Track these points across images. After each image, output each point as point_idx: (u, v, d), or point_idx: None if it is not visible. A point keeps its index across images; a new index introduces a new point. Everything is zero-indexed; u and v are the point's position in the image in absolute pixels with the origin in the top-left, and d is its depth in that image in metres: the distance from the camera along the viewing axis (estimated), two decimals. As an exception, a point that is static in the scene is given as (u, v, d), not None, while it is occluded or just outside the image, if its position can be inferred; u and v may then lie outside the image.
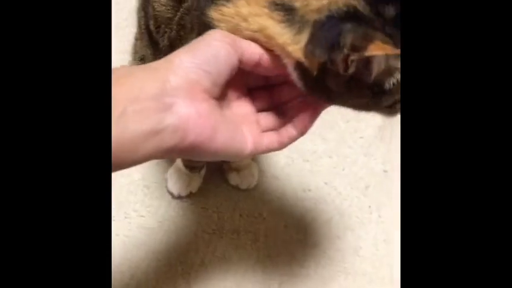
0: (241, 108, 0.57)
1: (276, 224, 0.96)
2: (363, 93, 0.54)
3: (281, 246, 0.94)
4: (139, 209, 0.96)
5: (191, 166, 0.94)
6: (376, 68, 0.51)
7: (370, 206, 1.00)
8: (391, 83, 0.53)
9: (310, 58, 0.52)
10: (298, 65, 0.54)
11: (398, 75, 0.53)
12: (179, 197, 0.96)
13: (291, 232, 0.95)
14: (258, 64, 0.54)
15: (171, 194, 0.96)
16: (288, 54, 0.54)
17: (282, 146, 0.57)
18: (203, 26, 0.58)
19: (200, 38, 0.53)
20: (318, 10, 0.52)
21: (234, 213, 0.96)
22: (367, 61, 0.49)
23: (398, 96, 0.57)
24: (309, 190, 1.01)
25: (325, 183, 1.02)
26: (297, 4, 0.54)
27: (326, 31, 0.51)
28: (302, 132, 0.57)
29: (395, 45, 0.49)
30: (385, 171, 1.04)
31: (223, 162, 1.00)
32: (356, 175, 1.03)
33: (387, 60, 0.50)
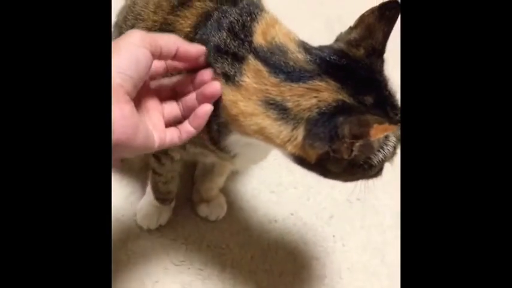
0: (147, 101, 0.63)
1: (243, 255, 0.98)
2: (356, 171, 0.63)
3: (247, 277, 0.96)
4: (108, 242, 0.97)
5: (163, 199, 0.96)
6: (376, 143, 0.60)
7: (334, 236, 1.03)
8: (380, 157, 0.62)
9: (309, 150, 0.60)
10: (295, 155, 0.62)
11: (386, 148, 0.62)
12: (148, 230, 0.98)
13: (257, 263, 0.98)
14: (175, 56, 0.60)
15: (140, 227, 0.98)
16: (285, 150, 0.62)
17: (181, 141, 0.64)
18: None
19: (121, 38, 0.58)
20: (309, 109, 0.60)
21: (202, 245, 0.98)
22: (368, 143, 0.58)
23: (383, 165, 0.66)
24: (275, 221, 1.04)
25: (291, 214, 1.05)
26: (289, 104, 0.60)
27: (321, 126, 0.59)
28: (197, 129, 0.63)
29: (388, 122, 0.57)
30: (348, 201, 1.08)
31: (193, 194, 1.02)
32: (320, 205, 1.07)
33: (397, 133, 0.60)
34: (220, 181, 0.99)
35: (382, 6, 0.63)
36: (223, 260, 0.97)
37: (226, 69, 0.62)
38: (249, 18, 0.65)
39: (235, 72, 0.62)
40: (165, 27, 0.69)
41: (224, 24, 0.64)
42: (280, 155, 1.07)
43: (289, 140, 0.61)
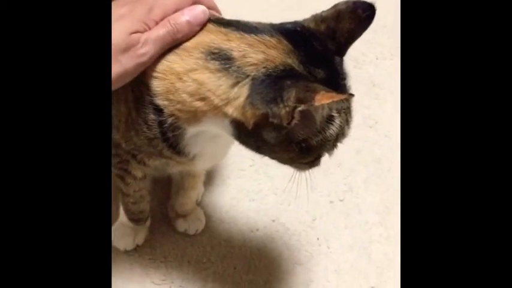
0: None
1: (225, 268, 0.95)
2: (291, 148, 0.60)
3: (231, 289, 0.93)
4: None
5: (136, 219, 0.93)
6: (319, 118, 0.56)
7: (318, 238, 1.00)
8: (319, 139, 0.59)
9: (249, 112, 0.57)
10: (234, 121, 0.59)
11: (328, 131, 0.59)
12: (126, 252, 0.95)
13: (241, 273, 0.95)
14: None
15: (117, 249, 0.95)
16: (226, 114, 0.59)
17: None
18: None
19: None
20: (255, 65, 0.57)
21: (183, 261, 0.95)
22: (310, 112, 0.55)
23: (321, 152, 0.63)
24: (257, 230, 1.01)
25: (273, 221, 1.02)
26: (235, 54, 0.58)
27: (267, 87, 0.56)
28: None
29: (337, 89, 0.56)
30: (330, 202, 1.06)
31: (168, 210, 1.00)
32: (302, 209, 1.04)
33: (329, 109, 0.56)
34: (193, 195, 0.97)
35: (357, 2, 0.62)
36: (205, 274, 0.94)
37: None
38: None
39: None
40: None
41: None
42: (257, 161, 1.05)
43: (229, 99, 0.58)
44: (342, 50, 0.64)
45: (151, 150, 0.67)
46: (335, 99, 0.52)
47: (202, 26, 0.62)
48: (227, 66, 0.58)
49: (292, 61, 0.58)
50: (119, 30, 0.59)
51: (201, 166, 0.80)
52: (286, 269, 0.96)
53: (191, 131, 0.65)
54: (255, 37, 0.59)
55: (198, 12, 0.62)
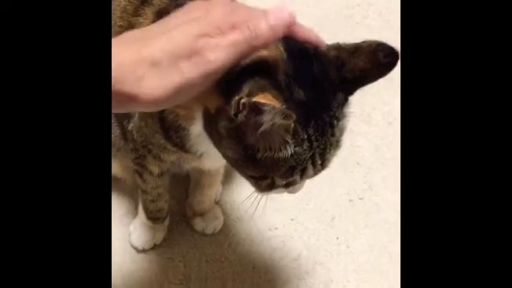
0: None
1: (244, 267, 0.94)
2: (237, 148, 0.57)
3: (250, 289, 0.92)
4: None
5: (155, 218, 0.93)
6: (266, 122, 0.52)
7: (337, 238, 0.99)
8: (264, 155, 0.56)
9: (215, 97, 0.55)
10: (204, 109, 0.58)
11: (278, 153, 0.55)
12: (144, 251, 0.95)
13: (260, 273, 0.94)
14: None
15: (135, 248, 0.95)
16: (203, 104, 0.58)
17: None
18: None
19: None
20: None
21: (201, 260, 0.95)
22: (258, 111, 0.51)
23: (268, 174, 0.59)
24: (276, 228, 1.00)
25: (292, 220, 1.01)
26: None
27: (237, 78, 0.54)
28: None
29: (285, 104, 0.52)
30: (350, 200, 1.04)
31: (186, 208, 0.99)
32: (321, 208, 1.03)
33: (278, 118, 0.51)
34: (210, 193, 0.96)
35: (381, 45, 0.57)
36: (224, 273, 0.93)
37: None
38: None
39: None
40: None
41: None
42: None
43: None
44: (349, 88, 0.58)
45: (161, 142, 0.68)
46: (270, 104, 0.49)
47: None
48: None
49: (278, 68, 0.55)
50: (183, 33, 0.49)
51: (209, 164, 0.79)
52: (306, 268, 0.95)
53: (195, 130, 0.64)
54: None
55: (285, 15, 0.51)
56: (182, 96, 0.50)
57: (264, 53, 0.55)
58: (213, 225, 0.98)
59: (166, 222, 0.96)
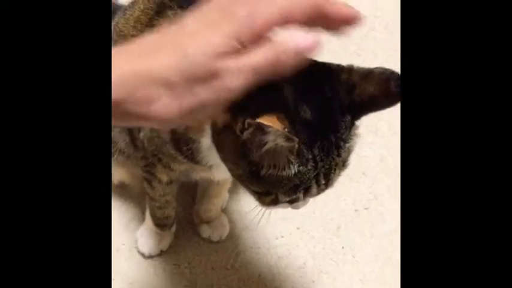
0: None
1: (250, 274, 0.95)
2: (242, 163, 0.57)
3: (256, 297, 0.93)
4: (111, 273, 0.95)
5: (162, 224, 0.93)
6: (270, 142, 0.52)
7: (343, 247, 0.99)
8: (268, 172, 0.56)
9: (223, 114, 0.55)
10: (213, 123, 0.58)
11: (281, 172, 0.55)
12: (150, 257, 0.95)
13: (266, 281, 0.94)
14: None
15: (142, 254, 0.95)
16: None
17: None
18: None
19: None
20: None
21: (207, 267, 0.95)
22: (262, 131, 0.51)
23: (272, 190, 0.59)
24: (282, 237, 1.00)
25: (297, 229, 1.02)
26: None
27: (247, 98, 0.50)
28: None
29: (289, 125, 0.52)
30: (356, 210, 1.05)
31: (193, 215, 1.00)
32: (327, 217, 1.03)
33: (281, 140, 0.51)
34: (217, 202, 0.97)
35: (394, 74, 0.55)
36: (230, 280, 0.94)
37: None
38: None
39: None
40: None
41: None
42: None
43: None
44: (356, 111, 0.57)
45: (171, 153, 0.68)
46: (273, 127, 0.49)
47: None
48: None
49: (287, 85, 0.53)
50: (200, 49, 0.42)
51: (218, 176, 0.79)
52: (312, 277, 0.95)
53: (205, 142, 0.64)
54: None
55: (313, 41, 0.44)
56: (195, 116, 0.45)
57: None
58: (219, 232, 0.98)
59: (173, 228, 0.96)
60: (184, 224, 1.00)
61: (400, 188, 0.50)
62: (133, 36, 0.72)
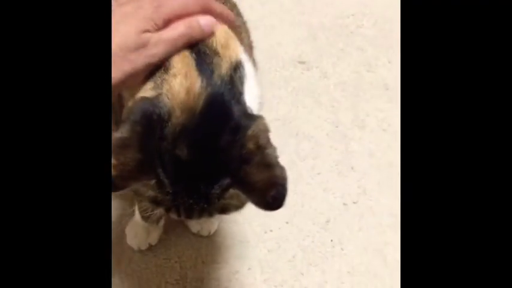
0: None
1: (239, 268, 0.96)
2: None
3: (246, 289, 0.93)
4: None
5: (147, 217, 0.93)
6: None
7: (332, 240, 1.00)
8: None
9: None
10: None
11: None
12: (140, 251, 0.96)
13: (255, 274, 0.95)
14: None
15: (131, 248, 0.96)
16: None
17: None
18: None
19: None
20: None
21: (197, 261, 0.96)
22: None
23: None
24: (271, 231, 1.01)
25: (286, 222, 1.02)
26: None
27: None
28: None
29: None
30: (344, 204, 1.06)
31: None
32: (316, 211, 1.04)
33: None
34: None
35: (280, 185, 0.55)
36: (220, 274, 0.94)
37: None
38: None
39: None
40: None
41: None
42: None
43: None
44: (236, 181, 0.55)
45: None
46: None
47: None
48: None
49: (181, 116, 0.55)
50: (128, 30, 0.57)
51: None
52: (301, 269, 0.96)
53: None
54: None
55: (212, 21, 0.61)
56: (131, 82, 0.58)
57: (181, 96, 0.55)
58: (207, 227, 0.99)
59: (161, 223, 0.97)
60: (173, 219, 1.00)
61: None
62: None
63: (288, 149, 1.11)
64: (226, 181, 0.55)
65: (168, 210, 0.58)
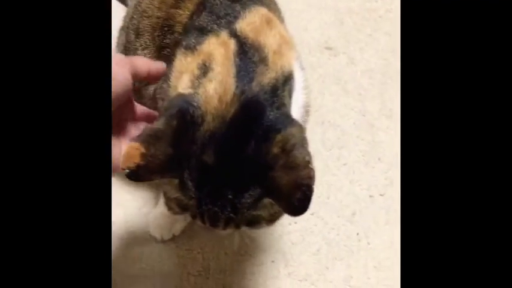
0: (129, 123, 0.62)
1: (263, 260, 0.94)
2: None
3: (269, 283, 0.92)
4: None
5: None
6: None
7: (358, 233, 0.98)
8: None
9: None
10: None
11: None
12: (162, 241, 0.95)
13: (279, 267, 0.93)
14: (148, 74, 0.59)
15: (154, 238, 0.95)
16: None
17: None
18: None
19: None
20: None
21: (220, 253, 0.94)
22: None
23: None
24: (295, 222, 0.99)
25: (311, 214, 1.00)
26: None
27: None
28: None
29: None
30: (370, 196, 1.03)
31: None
32: (341, 203, 1.02)
33: None
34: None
35: (307, 186, 0.53)
36: (243, 266, 0.93)
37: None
38: (238, 7, 0.63)
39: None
40: (166, 22, 0.69)
41: (215, 10, 0.64)
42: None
43: None
44: (266, 189, 0.54)
45: None
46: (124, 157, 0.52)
47: None
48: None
49: (208, 156, 0.54)
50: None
51: None
52: (326, 263, 0.94)
53: None
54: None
55: (157, 67, 0.61)
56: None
57: (214, 102, 0.54)
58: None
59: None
60: (197, 209, 0.99)
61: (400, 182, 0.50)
62: (158, 18, 0.71)
63: (313, 137, 1.08)
64: (258, 190, 0.54)
65: (194, 216, 0.58)
